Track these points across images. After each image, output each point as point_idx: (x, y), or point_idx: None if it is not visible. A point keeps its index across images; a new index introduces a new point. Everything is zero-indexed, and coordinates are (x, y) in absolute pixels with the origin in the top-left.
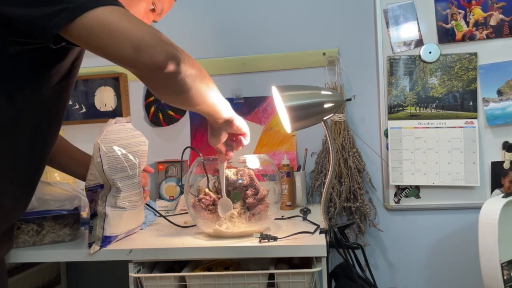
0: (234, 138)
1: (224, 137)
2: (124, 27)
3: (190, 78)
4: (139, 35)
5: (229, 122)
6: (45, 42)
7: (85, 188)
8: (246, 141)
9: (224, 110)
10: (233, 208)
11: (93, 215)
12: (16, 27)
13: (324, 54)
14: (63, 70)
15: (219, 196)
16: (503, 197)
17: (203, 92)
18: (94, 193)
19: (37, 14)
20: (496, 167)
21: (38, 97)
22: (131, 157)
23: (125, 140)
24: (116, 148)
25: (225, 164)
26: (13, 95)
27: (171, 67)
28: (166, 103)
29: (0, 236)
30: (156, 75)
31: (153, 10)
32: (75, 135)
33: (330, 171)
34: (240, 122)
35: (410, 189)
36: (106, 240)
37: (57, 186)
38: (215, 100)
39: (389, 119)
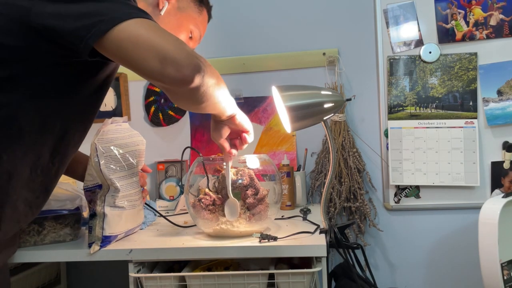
0: (237, 136)
1: (226, 132)
2: (151, 40)
3: (210, 88)
4: (166, 48)
5: (231, 117)
6: (82, 54)
7: (84, 189)
8: (249, 138)
9: (229, 107)
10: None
11: (92, 215)
12: (57, 38)
13: (324, 54)
14: (95, 84)
15: (219, 196)
16: (503, 197)
17: (219, 98)
18: (93, 193)
19: (77, 26)
20: (496, 167)
21: (66, 108)
22: (128, 156)
23: (122, 140)
24: (113, 148)
25: (230, 164)
26: (42, 104)
27: (196, 81)
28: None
29: (7, 239)
30: (181, 88)
31: (191, 38)
32: None
33: (330, 171)
34: (243, 118)
35: (410, 189)
36: (106, 240)
37: (58, 186)
38: (225, 101)
39: (389, 119)
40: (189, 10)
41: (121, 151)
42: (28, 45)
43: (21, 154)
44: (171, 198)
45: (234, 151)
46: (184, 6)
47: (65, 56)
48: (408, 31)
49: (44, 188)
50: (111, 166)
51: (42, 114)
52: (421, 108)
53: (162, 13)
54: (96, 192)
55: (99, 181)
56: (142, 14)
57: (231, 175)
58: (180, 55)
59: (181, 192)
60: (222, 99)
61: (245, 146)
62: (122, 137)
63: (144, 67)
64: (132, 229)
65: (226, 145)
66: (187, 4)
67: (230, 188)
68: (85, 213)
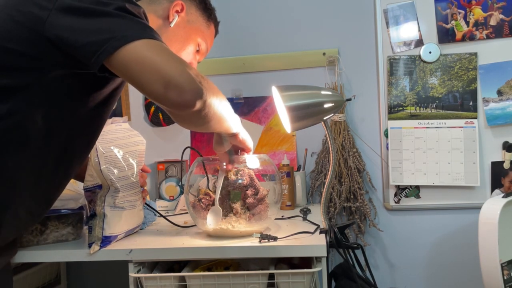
0: (238, 152)
1: (227, 146)
2: (156, 64)
3: (212, 110)
4: (170, 72)
5: (234, 135)
6: (92, 68)
7: (84, 189)
8: (248, 156)
9: (234, 126)
10: (233, 208)
11: (92, 215)
12: (70, 50)
13: (324, 54)
14: (101, 97)
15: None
16: (503, 197)
17: (221, 118)
18: (93, 193)
19: (90, 40)
20: (496, 167)
21: (72, 119)
22: (128, 156)
23: (122, 140)
24: (113, 148)
25: (222, 176)
26: (50, 114)
27: (197, 105)
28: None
29: (8, 243)
30: (183, 112)
31: (198, 51)
32: None
33: (330, 171)
34: (245, 137)
35: (410, 189)
36: (106, 240)
37: None
38: (228, 120)
39: (389, 119)
40: (198, 23)
41: (121, 151)
42: (41, 55)
43: (26, 162)
44: (171, 198)
45: (231, 167)
46: (193, 20)
47: (75, 67)
48: (408, 31)
49: (47, 198)
50: (111, 166)
51: (49, 123)
52: (421, 108)
53: (172, 25)
54: (96, 192)
55: (99, 181)
56: (152, 34)
57: (230, 174)
58: (184, 79)
59: (181, 192)
60: (225, 119)
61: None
62: (122, 137)
63: (148, 89)
64: (132, 229)
65: (226, 158)
66: (196, 18)
67: (218, 197)
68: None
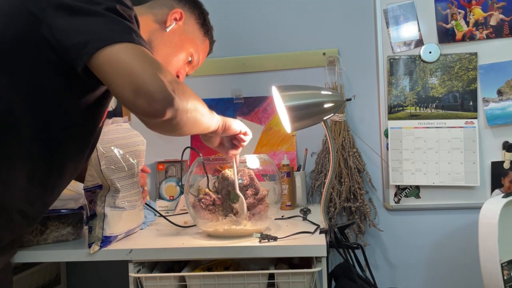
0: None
1: (215, 140)
2: (129, 68)
3: (185, 116)
4: (141, 79)
5: (214, 131)
6: (78, 68)
7: (84, 189)
8: (246, 137)
9: (210, 125)
10: (233, 208)
11: (92, 215)
12: (61, 50)
13: (324, 54)
14: (93, 98)
15: (219, 196)
16: (503, 197)
17: (196, 121)
18: (93, 193)
19: (76, 41)
20: (496, 167)
21: (63, 120)
22: (129, 157)
23: (123, 140)
24: (113, 148)
25: (235, 164)
26: (42, 114)
27: (167, 115)
28: None
29: (7, 243)
30: (153, 121)
31: (190, 62)
32: None
33: (330, 171)
34: (227, 128)
35: (410, 189)
36: (106, 240)
37: None
38: (204, 123)
39: (389, 119)
40: (194, 35)
41: (121, 151)
42: (36, 53)
43: (19, 164)
44: (171, 198)
45: (233, 152)
46: (190, 31)
47: (66, 67)
48: (408, 31)
49: (42, 200)
50: (112, 166)
51: (40, 124)
52: (421, 108)
53: (168, 30)
54: (97, 192)
55: (99, 181)
56: (135, 38)
57: (230, 174)
58: (155, 87)
59: (181, 192)
60: (200, 122)
61: (244, 144)
62: (123, 137)
63: (118, 94)
64: (132, 230)
65: (223, 150)
66: (193, 30)
67: (237, 184)
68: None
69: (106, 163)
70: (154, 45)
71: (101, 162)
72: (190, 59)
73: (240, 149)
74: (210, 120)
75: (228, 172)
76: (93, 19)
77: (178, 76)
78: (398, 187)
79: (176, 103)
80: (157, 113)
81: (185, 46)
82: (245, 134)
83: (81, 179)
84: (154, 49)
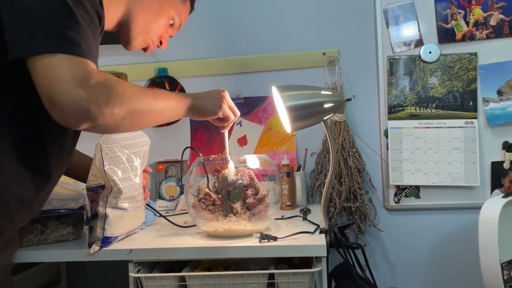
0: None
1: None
2: (48, 80)
3: (115, 120)
4: (56, 92)
5: (193, 111)
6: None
7: (86, 188)
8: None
9: (182, 107)
10: (233, 208)
11: (94, 215)
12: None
13: (324, 54)
14: None
15: (219, 196)
16: (503, 197)
17: (141, 120)
18: (95, 193)
19: (8, 37)
20: (496, 167)
21: (28, 105)
22: (132, 158)
23: (127, 140)
24: (117, 149)
25: (226, 132)
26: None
27: (83, 126)
28: None
29: (6, 239)
30: (78, 128)
31: (171, 25)
32: None
33: (330, 171)
34: (208, 108)
35: (410, 189)
36: (106, 241)
37: (60, 185)
38: (160, 116)
39: (389, 119)
40: None
41: (125, 151)
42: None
43: (5, 145)
44: (171, 198)
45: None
46: None
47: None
48: (408, 31)
49: (33, 183)
50: (115, 167)
51: (16, 97)
52: (421, 108)
53: None
54: (99, 192)
55: (102, 181)
56: (67, 44)
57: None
58: (67, 101)
59: (181, 192)
60: (150, 117)
61: (226, 127)
62: (127, 138)
63: (44, 102)
64: (132, 230)
65: (217, 122)
66: None
67: (228, 151)
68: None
69: (110, 164)
70: (133, 13)
71: (104, 163)
72: (171, 22)
73: (228, 124)
74: (171, 111)
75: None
76: (34, 7)
77: (161, 42)
78: (398, 187)
79: (94, 114)
80: (70, 125)
81: (165, 10)
82: (224, 118)
83: (82, 179)
84: (134, 17)
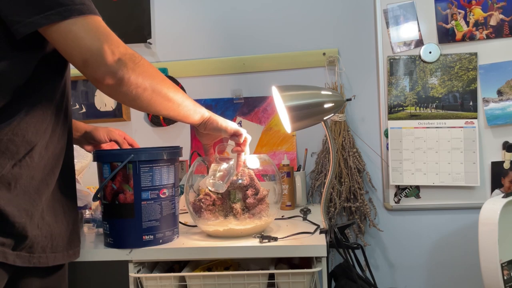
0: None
1: (205, 139)
2: (79, 41)
3: (134, 90)
4: (89, 50)
5: (199, 125)
6: (16, 34)
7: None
8: (245, 138)
9: (191, 114)
10: (233, 208)
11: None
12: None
13: (324, 54)
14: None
15: (219, 196)
16: (503, 197)
17: (152, 100)
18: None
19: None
20: (496, 167)
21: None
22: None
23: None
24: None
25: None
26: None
27: (109, 80)
28: None
29: (62, 236)
30: (99, 86)
31: None
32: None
33: (330, 171)
34: (220, 122)
35: (410, 189)
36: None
37: None
38: (171, 106)
39: (389, 119)
40: None
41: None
42: None
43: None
44: None
45: (237, 148)
46: None
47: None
48: (408, 31)
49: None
50: None
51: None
52: (421, 108)
53: None
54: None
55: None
56: (86, 9)
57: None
58: (100, 57)
59: (181, 192)
60: (161, 104)
61: (241, 147)
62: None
63: (70, 61)
64: None
65: (207, 150)
66: None
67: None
68: (90, 211)
69: None
70: None
71: None
72: None
73: (242, 138)
74: (186, 109)
75: (214, 167)
76: None
77: None
78: (398, 187)
79: (120, 73)
80: (98, 79)
81: None
82: (237, 135)
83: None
84: None
